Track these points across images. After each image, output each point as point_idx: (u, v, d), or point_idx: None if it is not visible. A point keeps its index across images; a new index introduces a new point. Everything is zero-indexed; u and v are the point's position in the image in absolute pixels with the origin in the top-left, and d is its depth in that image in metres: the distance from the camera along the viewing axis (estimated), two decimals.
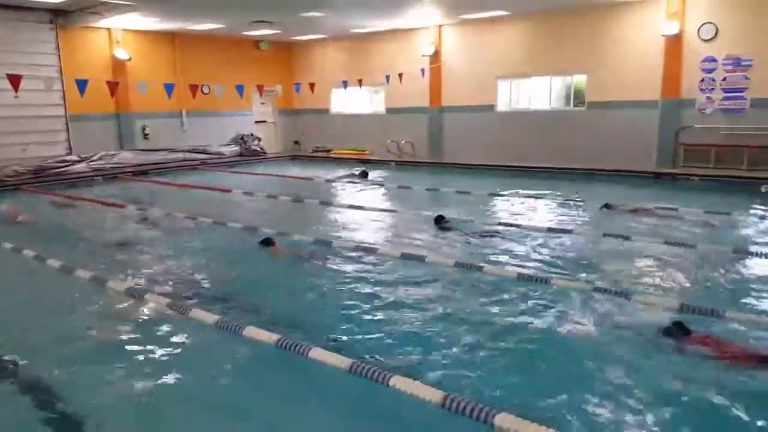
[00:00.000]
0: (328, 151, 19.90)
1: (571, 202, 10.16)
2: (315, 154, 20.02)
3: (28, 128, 14.58)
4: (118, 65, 16.22)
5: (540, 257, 6.69)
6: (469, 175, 14.46)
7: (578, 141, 14.92)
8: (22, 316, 5.19)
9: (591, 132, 14.76)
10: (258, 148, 19.20)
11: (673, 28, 13.05)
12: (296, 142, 21.39)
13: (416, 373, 3.68)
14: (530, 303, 5.12)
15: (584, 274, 5.91)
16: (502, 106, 16.63)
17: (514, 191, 11.53)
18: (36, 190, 12.86)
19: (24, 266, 6.73)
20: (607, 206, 9.31)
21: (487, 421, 2.99)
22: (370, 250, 6.90)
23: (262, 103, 20.27)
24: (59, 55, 14.94)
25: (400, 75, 16.30)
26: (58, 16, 14.60)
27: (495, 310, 5.00)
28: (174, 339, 4.60)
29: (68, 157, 15.01)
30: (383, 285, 5.74)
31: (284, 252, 7.02)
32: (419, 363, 4.03)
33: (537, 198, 10.78)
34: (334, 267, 6.43)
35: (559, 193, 11.06)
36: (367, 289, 5.63)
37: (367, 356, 4.08)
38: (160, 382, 3.90)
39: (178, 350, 4.41)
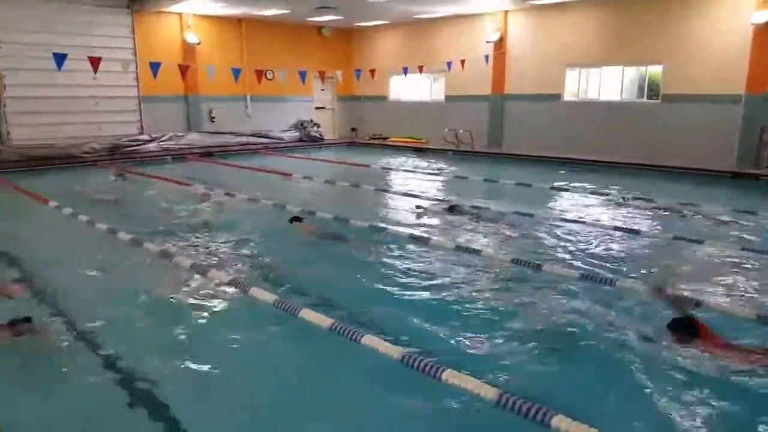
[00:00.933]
0: (385, 138, 19.94)
1: (639, 200, 9.75)
2: (371, 141, 20.12)
3: (105, 108, 15.37)
4: (188, 49, 16.76)
5: (605, 256, 6.47)
6: (530, 167, 14.15)
7: (650, 135, 14.31)
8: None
9: (664, 126, 14.13)
10: (317, 134, 19.47)
11: (764, 17, 12.22)
12: (353, 129, 21.55)
13: (470, 368, 3.66)
14: (592, 303, 4.98)
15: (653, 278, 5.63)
16: (569, 96, 16.16)
17: (578, 185, 11.21)
18: (112, 166, 13.51)
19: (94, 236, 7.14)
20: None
21: (544, 423, 2.94)
22: (422, 240, 6.91)
23: (323, 89, 20.50)
24: (134, 39, 15.60)
25: (462, 62, 16.08)
26: (134, 1, 15.22)
27: (556, 309, 4.90)
28: (234, 314, 4.79)
29: (140, 137, 15.75)
30: (434, 275, 5.75)
31: (310, 228, 7.40)
32: (473, 357, 4.03)
33: (603, 194, 10.43)
34: (390, 254, 6.47)
35: (626, 189, 10.68)
36: (419, 279, 5.65)
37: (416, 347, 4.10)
38: (217, 356, 4.09)
39: (239, 325, 4.58)
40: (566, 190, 10.86)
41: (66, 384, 3.78)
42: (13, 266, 6.05)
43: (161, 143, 15.84)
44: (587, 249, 6.77)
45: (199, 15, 16.95)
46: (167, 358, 4.06)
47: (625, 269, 6.01)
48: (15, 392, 3.63)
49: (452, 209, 8.57)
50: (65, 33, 14.12)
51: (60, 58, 10.67)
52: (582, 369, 3.95)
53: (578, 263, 6.16)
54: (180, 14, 16.56)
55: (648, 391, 3.60)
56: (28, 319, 4.22)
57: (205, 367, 3.98)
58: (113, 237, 6.95)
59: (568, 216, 8.47)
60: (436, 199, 9.96)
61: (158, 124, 16.27)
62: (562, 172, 13.17)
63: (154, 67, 11.98)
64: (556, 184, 11.41)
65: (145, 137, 15.77)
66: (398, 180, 12.54)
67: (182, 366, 3.97)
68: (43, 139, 14.22)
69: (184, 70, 12.97)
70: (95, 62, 11.13)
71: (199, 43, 16.90)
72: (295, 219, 7.71)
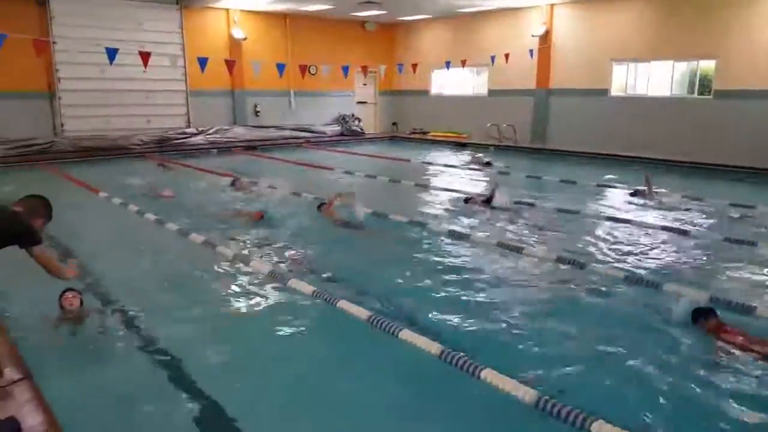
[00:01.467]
0: (426, 133, 19.87)
1: (689, 199, 9.42)
2: (412, 135, 20.07)
3: (154, 101, 15.82)
4: (234, 44, 17.07)
5: (651, 257, 6.29)
6: (575, 163, 13.88)
7: (701, 132, 13.79)
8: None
9: (717, 123, 13.60)
10: (358, 129, 19.57)
11: None
12: (394, 124, 21.54)
13: (508, 368, 3.61)
14: (637, 305, 4.86)
15: (702, 281, 5.45)
16: (616, 91, 15.74)
17: (625, 182, 10.91)
18: (159, 158, 13.90)
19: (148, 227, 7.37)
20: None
21: (584, 428, 2.90)
22: (462, 236, 6.87)
23: (365, 84, 20.56)
24: (182, 34, 15.98)
25: (506, 56, 15.85)
26: None
27: (599, 310, 4.80)
28: (277, 307, 4.88)
29: (187, 130, 16.16)
30: (474, 272, 5.72)
31: (333, 212, 7.82)
32: (511, 356, 3.99)
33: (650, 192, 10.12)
34: (430, 250, 6.46)
35: (675, 188, 10.33)
36: (461, 275, 5.63)
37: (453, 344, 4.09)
38: (260, 345, 4.18)
39: (280, 316, 4.66)
40: (612, 187, 10.60)
41: (110, 364, 3.94)
42: (66, 254, 6.29)
43: (207, 136, 16.21)
44: (633, 249, 6.58)
45: (246, 11, 17.23)
46: (207, 343, 4.18)
47: (671, 271, 5.81)
48: (68, 369, 3.80)
49: (489, 201, 8.48)
50: (117, 28, 14.59)
51: (112, 53, 10.99)
52: (621, 374, 3.81)
53: (623, 264, 6.00)
54: (227, 10, 16.88)
55: (690, 402, 3.49)
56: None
57: (243, 354, 4.09)
58: (161, 227, 7.18)
59: (614, 214, 8.26)
60: (478, 195, 9.84)
61: (205, 118, 16.65)
62: (609, 168, 12.83)
63: (202, 62, 12.24)
64: (601, 181, 11.17)
65: (192, 130, 16.18)
66: (438, 175, 12.47)
67: (222, 352, 4.07)
68: (94, 130, 14.75)
69: (230, 65, 13.20)
70: (145, 57, 11.44)
71: (245, 39, 17.19)
72: (323, 205, 8.14)
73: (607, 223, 7.73)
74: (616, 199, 9.67)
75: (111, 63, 11.25)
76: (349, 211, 7.71)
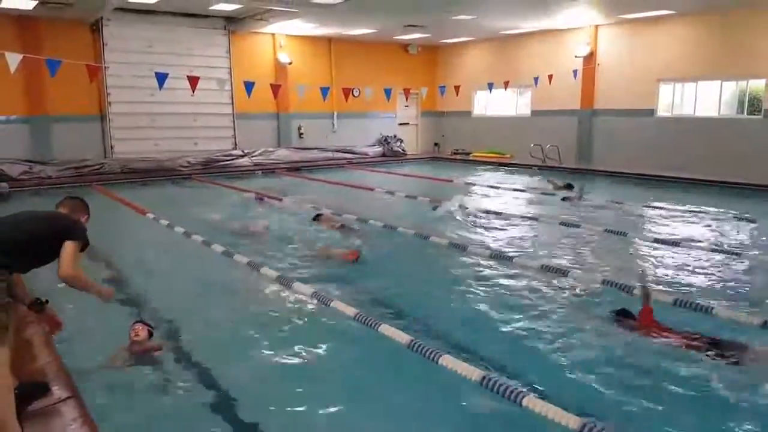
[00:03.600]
0: (468, 153, 19.78)
1: (739, 221, 9.09)
2: (454, 156, 20.01)
3: (201, 124, 16.27)
4: (280, 68, 17.48)
5: (702, 280, 6.08)
6: (621, 184, 13.53)
7: (751, 153, 13.29)
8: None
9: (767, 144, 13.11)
10: (399, 150, 19.66)
11: None
12: (436, 144, 21.55)
13: (552, 395, 3.55)
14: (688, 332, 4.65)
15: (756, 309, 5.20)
16: (662, 112, 15.38)
17: (672, 204, 10.58)
18: (206, 180, 14.25)
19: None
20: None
21: None
22: (506, 258, 6.75)
23: (406, 106, 20.69)
24: (230, 59, 16.45)
25: (550, 77, 15.72)
26: (230, 22, 16.09)
27: (646, 339, 4.62)
28: (314, 324, 4.88)
29: (233, 152, 16.54)
30: (518, 296, 5.60)
31: (332, 222, 8.38)
32: (556, 383, 3.87)
33: (699, 213, 9.80)
34: (472, 272, 6.36)
35: (725, 210, 9.97)
36: (503, 300, 5.52)
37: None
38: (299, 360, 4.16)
39: (323, 338, 4.65)
40: (660, 208, 10.28)
41: (165, 398, 3.83)
42: (113, 274, 6.47)
43: (253, 158, 16.56)
44: (682, 272, 6.37)
45: (291, 35, 17.65)
46: (250, 366, 4.20)
47: (723, 295, 5.59)
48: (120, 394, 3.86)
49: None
50: (167, 53, 15.13)
51: (161, 77, 11.39)
52: (668, 405, 3.65)
53: (673, 287, 5.79)
54: (273, 35, 17.33)
55: None
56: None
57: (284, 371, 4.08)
58: (207, 248, 7.31)
59: (662, 236, 7.99)
60: (522, 216, 9.71)
61: (250, 140, 17.03)
62: (656, 189, 12.48)
63: (248, 86, 12.55)
64: (649, 202, 10.86)
65: (238, 152, 16.55)
66: (481, 195, 12.35)
67: (266, 374, 4.10)
68: (142, 152, 15.25)
69: (276, 89, 13.50)
70: (194, 81, 11.80)
71: (290, 63, 17.58)
72: (317, 216, 8.89)
73: (655, 245, 7.51)
74: (664, 220, 9.36)
75: (160, 87, 11.63)
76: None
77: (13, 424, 2.80)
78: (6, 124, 13.93)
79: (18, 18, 13.56)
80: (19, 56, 9.74)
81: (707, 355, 4.13)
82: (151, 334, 4.31)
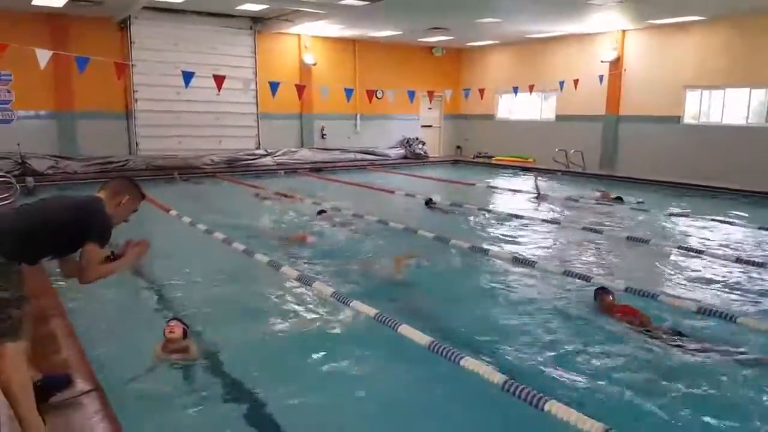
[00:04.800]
0: (490, 157, 19.65)
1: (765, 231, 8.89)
2: (476, 159, 19.90)
3: (225, 123, 16.39)
4: (304, 69, 17.56)
5: (725, 289, 5.98)
6: (646, 191, 13.27)
7: None
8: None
9: None
10: (421, 152, 19.61)
11: None
12: (458, 147, 21.45)
13: (574, 400, 3.49)
14: (712, 341, 4.56)
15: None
16: (689, 119, 15.11)
17: (698, 212, 10.38)
18: (229, 179, 14.33)
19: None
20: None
21: None
22: (528, 263, 6.67)
23: (430, 108, 20.61)
24: (255, 59, 16.55)
25: (576, 81, 15.55)
26: (256, 22, 16.20)
27: (669, 344, 4.53)
28: (334, 325, 4.86)
29: (257, 151, 16.65)
30: (537, 300, 5.53)
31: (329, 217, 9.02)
32: (576, 388, 3.82)
33: (725, 222, 9.59)
34: (492, 277, 6.30)
35: (753, 219, 9.75)
36: (521, 303, 5.46)
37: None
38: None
39: (338, 336, 4.63)
40: (685, 216, 10.11)
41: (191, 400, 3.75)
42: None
43: (275, 158, 16.65)
44: (706, 280, 6.28)
45: (317, 36, 17.72)
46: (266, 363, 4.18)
47: (747, 305, 5.50)
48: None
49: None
50: (193, 52, 15.24)
51: (188, 76, 11.50)
52: (687, 409, 3.61)
53: (696, 295, 5.72)
54: (299, 35, 17.41)
55: None
56: None
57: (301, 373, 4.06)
58: (228, 246, 7.34)
59: (686, 244, 7.86)
60: (543, 220, 9.62)
61: (274, 140, 17.12)
62: (681, 197, 12.26)
63: (273, 86, 12.61)
64: (674, 210, 10.69)
65: (261, 152, 16.65)
66: (502, 199, 12.25)
67: (281, 375, 4.07)
68: (167, 150, 15.41)
69: (300, 90, 13.54)
70: (219, 80, 11.88)
71: (315, 64, 17.64)
72: (321, 211, 9.47)
73: (678, 252, 7.42)
74: (689, 228, 9.19)
75: (186, 86, 11.74)
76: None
77: (34, 420, 2.80)
78: (34, 119, 14.18)
79: (48, 15, 13.81)
80: (49, 53, 9.93)
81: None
82: (186, 333, 4.17)
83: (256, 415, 3.55)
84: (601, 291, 5.33)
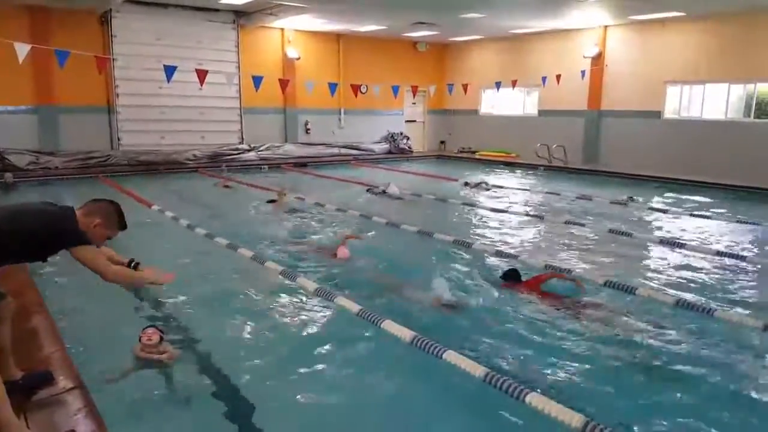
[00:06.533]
0: (474, 152, 19.75)
1: (745, 224, 9.09)
2: (460, 154, 19.99)
3: (208, 118, 16.26)
4: (288, 63, 17.47)
5: (705, 282, 6.11)
6: (628, 186, 13.45)
7: (758, 157, 13.24)
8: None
9: None
10: (406, 147, 19.65)
11: None
12: (442, 142, 21.52)
13: (555, 393, 3.56)
14: (688, 333, 4.69)
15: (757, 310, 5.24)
16: (669, 114, 15.32)
17: (679, 206, 10.58)
18: (211, 174, 14.25)
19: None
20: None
21: None
22: (510, 256, 6.75)
23: (414, 103, 20.65)
24: (238, 53, 16.44)
25: (558, 76, 15.66)
26: (239, 16, 16.09)
27: (647, 336, 4.64)
28: (317, 320, 4.88)
29: (240, 146, 16.54)
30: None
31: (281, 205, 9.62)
32: (559, 381, 3.89)
33: (705, 217, 9.76)
34: (475, 270, 6.36)
35: (730, 213, 9.96)
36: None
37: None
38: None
39: (324, 331, 4.66)
40: (665, 211, 10.26)
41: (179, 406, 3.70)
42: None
43: (259, 153, 16.58)
44: (686, 274, 6.39)
45: (300, 30, 17.64)
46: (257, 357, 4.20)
47: (725, 297, 5.63)
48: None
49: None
50: (175, 46, 15.05)
51: (170, 71, 11.36)
52: (668, 402, 3.73)
53: (675, 289, 5.82)
54: (282, 29, 17.31)
55: None
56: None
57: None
58: (210, 240, 7.33)
59: (667, 238, 8.00)
60: (526, 214, 9.72)
61: (257, 135, 17.03)
62: (662, 191, 12.44)
63: (256, 80, 12.53)
64: (654, 204, 10.87)
65: (245, 147, 16.56)
66: (486, 194, 12.32)
67: (269, 371, 4.09)
68: (149, 145, 15.26)
69: (284, 84, 13.48)
70: (202, 75, 11.77)
71: (298, 58, 17.56)
72: (271, 201, 10.09)
73: (659, 246, 7.57)
74: (670, 222, 9.34)
75: (168, 81, 11.60)
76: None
77: (9, 419, 2.78)
78: (14, 114, 13.96)
79: (28, 8, 13.59)
80: (27, 46, 9.73)
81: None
82: (161, 339, 4.11)
83: (240, 414, 3.54)
84: (509, 275, 5.77)
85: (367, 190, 11.65)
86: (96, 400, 3.28)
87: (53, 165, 13.64)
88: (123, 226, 3.40)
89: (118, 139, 15.13)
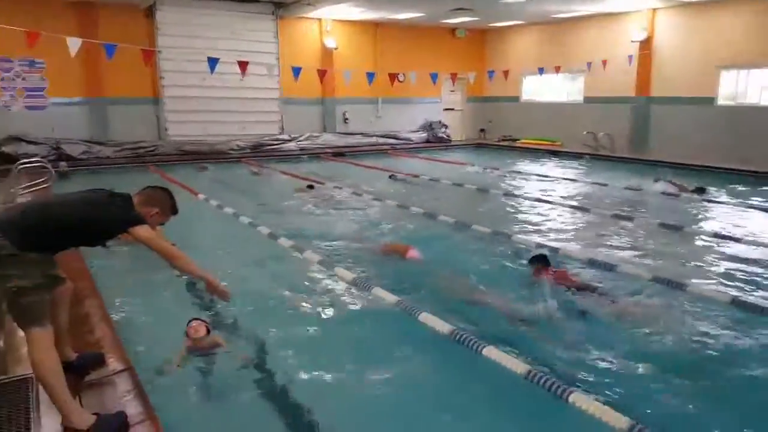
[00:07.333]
0: (515, 140, 19.42)
1: None
2: (500, 143, 19.68)
3: (249, 109, 16.47)
4: (326, 53, 17.52)
5: (764, 282, 5.76)
6: (679, 176, 12.93)
7: None
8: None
9: None
10: (444, 136, 19.47)
11: None
12: (482, 130, 21.20)
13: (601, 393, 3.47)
14: (744, 333, 4.48)
15: None
16: (723, 100, 14.67)
17: (734, 197, 10.12)
18: (254, 163, 14.46)
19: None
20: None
21: None
22: (552, 250, 6.61)
23: (452, 91, 20.40)
24: (278, 44, 16.56)
25: (604, 62, 15.22)
26: (279, 7, 16.19)
27: (699, 335, 4.47)
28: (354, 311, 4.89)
29: (280, 136, 16.72)
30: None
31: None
32: (605, 382, 3.78)
33: (763, 209, 9.30)
34: (515, 264, 6.27)
35: None
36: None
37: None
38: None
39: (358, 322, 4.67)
40: (720, 202, 9.84)
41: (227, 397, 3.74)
42: None
43: (299, 143, 16.73)
44: (742, 270, 6.06)
45: (338, 20, 17.64)
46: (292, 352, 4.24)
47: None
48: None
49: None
50: (217, 38, 15.29)
51: (213, 62, 11.58)
52: (721, 407, 3.55)
53: (731, 286, 5.55)
54: (320, 19, 17.35)
55: None
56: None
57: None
58: (254, 230, 7.43)
59: (721, 231, 7.66)
60: (569, 206, 9.51)
61: (296, 125, 17.17)
62: (716, 182, 11.93)
63: (295, 71, 12.64)
64: (707, 195, 10.41)
65: (285, 137, 16.73)
66: (528, 184, 12.13)
67: (306, 364, 4.10)
68: (194, 135, 15.57)
69: (322, 74, 13.55)
70: (243, 66, 11.94)
71: (336, 48, 17.59)
72: (309, 186, 10.37)
73: (713, 240, 7.23)
74: (724, 214, 8.98)
75: (212, 72, 11.82)
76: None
77: (65, 400, 2.88)
78: (68, 105, 14.45)
79: (77, 4, 14.01)
80: (79, 40, 10.07)
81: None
82: (208, 330, 4.15)
83: (286, 404, 3.60)
84: (537, 260, 5.52)
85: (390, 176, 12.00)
86: (144, 379, 3.39)
87: (104, 154, 14.11)
88: (175, 211, 3.52)
89: (165, 130, 15.50)
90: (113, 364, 3.54)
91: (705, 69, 14.65)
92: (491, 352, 3.80)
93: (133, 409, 3.07)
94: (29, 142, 13.31)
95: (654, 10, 15.54)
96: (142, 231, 3.11)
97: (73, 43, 9.85)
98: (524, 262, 5.93)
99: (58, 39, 9.95)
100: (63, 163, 12.71)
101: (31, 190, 9.32)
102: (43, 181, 9.81)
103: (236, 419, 3.47)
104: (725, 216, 8.92)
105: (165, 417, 3.05)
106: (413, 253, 6.10)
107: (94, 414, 2.92)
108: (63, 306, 3.29)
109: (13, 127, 13.48)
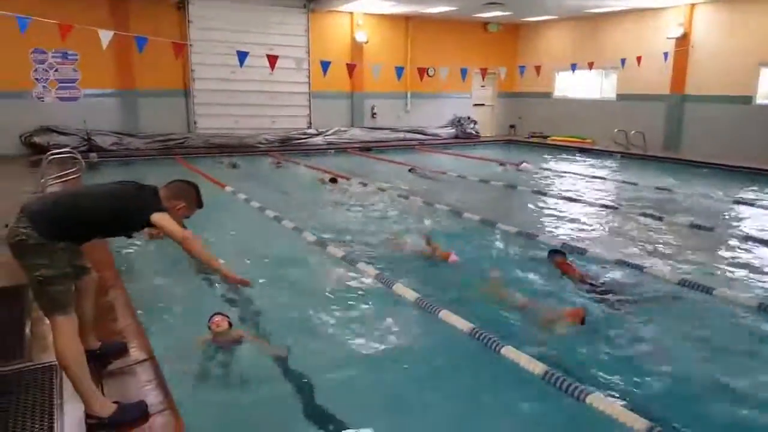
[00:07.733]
0: (546, 137, 19.13)
1: None
2: (531, 140, 19.40)
3: (278, 102, 16.56)
4: (356, 48, 17.49)
5: None
6: (713, 176, 12.61)
7: None
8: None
9: None
10: (473, 131, 19.28)
11: None
12: (512, 127, 20.93)
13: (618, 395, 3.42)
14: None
15: None
16: (763, 99, 14.21)
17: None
18: (282, 157, 14.55)
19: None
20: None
21: None
22: (579, 251, 6.49)
23: (482, 86, 20.16)
24: (308, 37, 16.60)
25: (638, 58, 14.85)
26: (310, 1, 16.21)
27: (725, 340, 4.34)
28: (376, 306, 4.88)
29: (308, 130, 16.79)
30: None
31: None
32: (621, 384, 3.71)
33: None
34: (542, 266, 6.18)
35: None
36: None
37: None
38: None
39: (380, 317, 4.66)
40: (754, 205, 9.54)
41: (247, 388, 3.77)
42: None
43: (326, 137, 16.77)
44: None
45: (369, 14, 17.59)
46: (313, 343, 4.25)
47: None
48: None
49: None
50: (247, 32, 15.41)
51: (242, 56, 11.65)
52: (743, 411, 3.47)
53: (759, 291, 5.39)
54: (351, 13, 17.33)
55: None
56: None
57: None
58: (278, 223, 7.48)
59: (754, 234, 7.43)
60: (601, 205, 9.34)
61: (324, 119, 17.20)
62: (752, 184, 11.58)
63: (325, 65, 12.64)
64: (743, 196, 10.10)
65: (313, 131, 16.79)
66: (558, 182, 11.93)
67: (324, 356, 4.13)
68: (223, 128, 15.72)
69: (351, 68, 13.53)
70: (272, 60, 11.99)
71: (366, 42, 17.55)
72: (332, 180, 10.55)
73: (745, 243, 7.04)
74: (759, 217, 8.70)
75: (241, 65, 11.90)
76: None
77: (87, 388, 2.92)
78: (99, 97, 14.74)
79: None
80: (110, 33, 10.24)
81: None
82: (230, 325, 4.16)
83: (305, 396, 3.60)
84: (554, 253, 5.91)
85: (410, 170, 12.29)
86: (165, 373, 3.43)
87: (134, 146, 14.35)
88: (201, 204, 3.53)
89: (194, 122, 15.69)
90: (135, 353, 3.60)
91: (744, 66, 14.19)
92: (509, 351, 3.77)
93: (153, 398, 3.12)
94: (60, 133, 13.62)
95: (692, 5, 15.10)
96: (159, 217, 3.12)
97: (105, 36, 10.01)
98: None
99: (91, 31, 10.12)
100: (93, 154, 12.97)
101: (61, 180, 9.48)
102: (72, 171, 9.97)
103: (256, 411, 3.49)
104: (755, 217, 8.67)
105: (185, 407, 3.09)
106: (454, 257, 6.12)
107: (114, 402, 2.98)
108: (88, 296, 3.35)
109: (45, 118, 13.80)
